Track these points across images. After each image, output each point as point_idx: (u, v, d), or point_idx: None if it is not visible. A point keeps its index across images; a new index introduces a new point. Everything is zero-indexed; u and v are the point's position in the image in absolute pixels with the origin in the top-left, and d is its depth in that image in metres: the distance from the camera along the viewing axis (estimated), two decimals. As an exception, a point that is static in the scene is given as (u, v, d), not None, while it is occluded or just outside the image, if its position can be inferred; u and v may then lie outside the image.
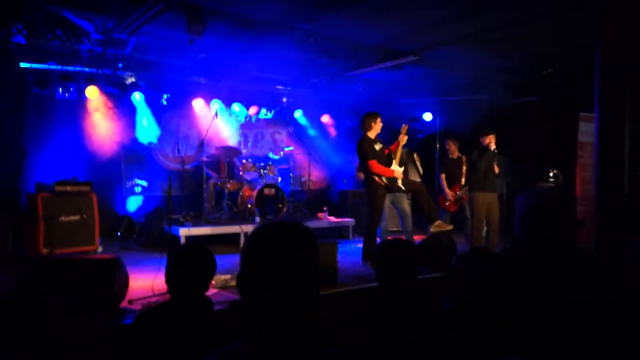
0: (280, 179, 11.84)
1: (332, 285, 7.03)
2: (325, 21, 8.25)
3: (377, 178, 8.36)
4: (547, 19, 7.89)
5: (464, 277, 3.50)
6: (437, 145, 13.84)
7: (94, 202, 9.18)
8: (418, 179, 11.28)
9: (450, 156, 10.85)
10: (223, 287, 6.76)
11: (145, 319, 3.23)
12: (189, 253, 3.34)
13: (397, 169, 8.54)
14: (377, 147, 8.57)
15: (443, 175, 10.73)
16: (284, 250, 1.75)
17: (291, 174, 12.68)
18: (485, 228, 9.60)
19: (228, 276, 6.97)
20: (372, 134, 8.59)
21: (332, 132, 14.18)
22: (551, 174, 10.43)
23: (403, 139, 8.76)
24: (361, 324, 3.38)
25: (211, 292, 3.38)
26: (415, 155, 9.62)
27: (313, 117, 13.77)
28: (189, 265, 3.24)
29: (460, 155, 10.68)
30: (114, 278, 5.68)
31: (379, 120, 8.63)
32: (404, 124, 9.08)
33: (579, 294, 2.75)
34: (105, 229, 9.94)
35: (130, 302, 6.03)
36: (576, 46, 8.54)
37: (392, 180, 8.42)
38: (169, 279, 3.25)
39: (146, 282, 6.90)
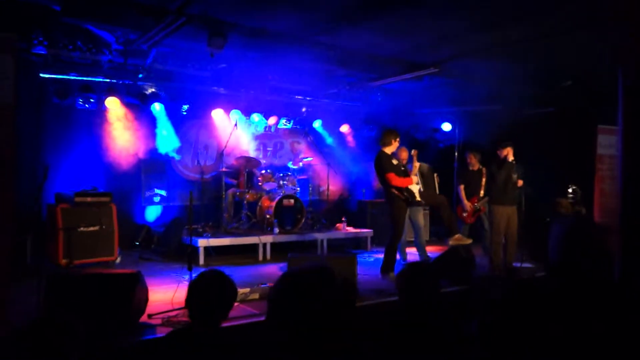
0: (299, 189, 11.80)
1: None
2: (342, 34, 8.23)
3: (396, 192, 8.33)
4: (566, 33, 7.82)
5: (491, 299, 3.49)
6: (456, 154, 13.79)
7: (114, 212, 9.17)
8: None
9: (470, 168, 10.76)
10: (242, 300, 6.74)
11: (165, 345, 3.24)
12: (210, 282, 3.35)
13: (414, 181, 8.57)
14: (394, 162, 8.60)
15: (462, 186, 10.62)
16: (308, 299, 1.79)
17: (310, 184, 12.64)
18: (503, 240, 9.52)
19: (247, 290, 6.94)
20: (389, 150, 8.61)
21: (351, 141, 14.12)
22: (570, 190, 10.33)
23: (416, 165, 9.00)
24: (386, 338, 3.38)
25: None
26: (435, 175, 9.65)
27: (332, 127, 13.72)
28: (209, 295, 3.26)
29: (480, 167, 10.60)
30: (134, 293, 5.68)
31: (398, 139, 8.71)
32: (413, 150, 9.27)
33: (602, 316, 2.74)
34: (123, 239, 9.89)
35: (149, 316, 6.04)
36: (595, 58, 8.45)
37: (411, 193, 8.39)
38: (189, 307, 3.28)
39: (166, 294, 6.92)
